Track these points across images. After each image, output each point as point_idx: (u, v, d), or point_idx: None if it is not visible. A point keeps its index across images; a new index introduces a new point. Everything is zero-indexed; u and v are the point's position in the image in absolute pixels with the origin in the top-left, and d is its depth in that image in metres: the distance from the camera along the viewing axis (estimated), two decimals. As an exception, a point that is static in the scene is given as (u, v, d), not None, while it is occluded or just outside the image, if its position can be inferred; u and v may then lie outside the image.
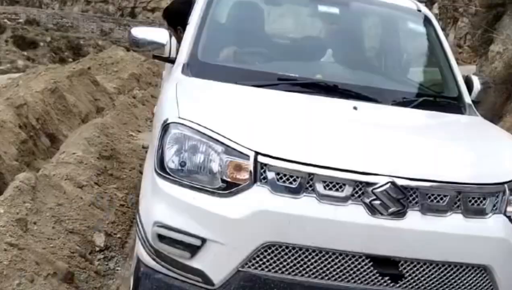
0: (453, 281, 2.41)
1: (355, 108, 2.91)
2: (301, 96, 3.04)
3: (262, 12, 3.89)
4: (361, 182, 2.34)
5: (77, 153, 4.93)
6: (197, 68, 3.16)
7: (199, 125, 2.47)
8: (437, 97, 3.46)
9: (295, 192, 2.33)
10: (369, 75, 3.59)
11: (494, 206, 2.48)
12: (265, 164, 2.35)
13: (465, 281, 2.43)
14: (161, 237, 2.43)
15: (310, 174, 2.33)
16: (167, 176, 2.46)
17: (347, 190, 2.33)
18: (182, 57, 3.25)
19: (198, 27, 3.38)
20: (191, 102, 2.76)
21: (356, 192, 2.34)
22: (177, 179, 2.44)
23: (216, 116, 2.60)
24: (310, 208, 2.31)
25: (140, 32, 3.43)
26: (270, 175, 2.34)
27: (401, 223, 2.34)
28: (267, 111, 2.81)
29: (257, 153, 2.36)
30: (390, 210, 2.32)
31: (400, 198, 2.33)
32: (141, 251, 2.55)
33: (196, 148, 2.44)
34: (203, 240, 2.36)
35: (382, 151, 2.49)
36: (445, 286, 2.41)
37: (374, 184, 2.33)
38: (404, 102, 3.19)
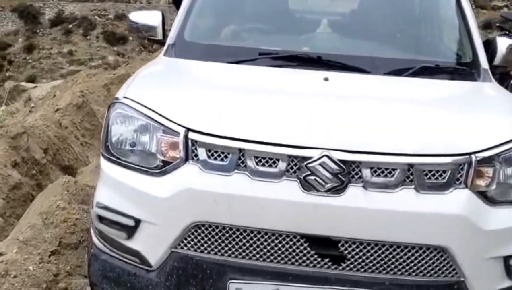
0: (406, 263, 2.17)
1: (326, 79, 2.72)
2: (274, 70, 2.89)
3: None
4: (296, 157, 2.17)
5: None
6: (182, 48, 3.14)
7: (140, 104, 2.43)
8: (441, 64, 3.09)
9: (226, 169, 2.21)
10: (366, 44, 3.31)
11: (457, 179, 2.20)
12: (196, 141, 2.25)
13: (420, 264, 2.17)
14: (101, 218, 2.43)
15: (240, 149, 2.20)
16: (109, 156, 2.45)
17: (281, 166, 2.17)
18: (169, 38, 3.23)
19: (187, 9, 3.33)
20: (142, 82, 2.74)
21: (291, 168, 2.17)
22: (116, 159, 2.42)
23: (159, 95, 2.55)
24: (240, 186, 2.18)
25: (136, 16, 3.45)
26: (201, 152, 2.24)
27: (339, 200, 2.14)
28: (217, 88, 2.70)
29: (188, 130, 2.27)
30: (327, 186, 2.13)
31: (338, 173, 2.13)
32: (91, 232, 2.57)
33: (136, 128, 2.41)
34: (138, 221, 2.32)
35: (320, 123, 2.28)
36: (398, 269, 2.18)
37: (308, 158, 2.15)
38: (399, 71, 2.91)
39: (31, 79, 18.76)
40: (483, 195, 2.23)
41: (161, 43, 3.37)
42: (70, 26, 22.75)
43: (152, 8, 20.29)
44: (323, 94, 2.62)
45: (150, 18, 3.38)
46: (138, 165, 2.36)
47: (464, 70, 3.09)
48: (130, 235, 2.34)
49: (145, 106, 2.40)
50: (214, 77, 2.86)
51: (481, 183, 2.23)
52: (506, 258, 2.24)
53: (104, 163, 2.47)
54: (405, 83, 2.87)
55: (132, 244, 2.35)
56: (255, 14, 3.58)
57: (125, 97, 2.50)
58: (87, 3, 25.62)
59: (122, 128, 2.43)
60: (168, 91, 2.62)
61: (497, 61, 3.20)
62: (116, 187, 2.41)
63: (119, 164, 2.41)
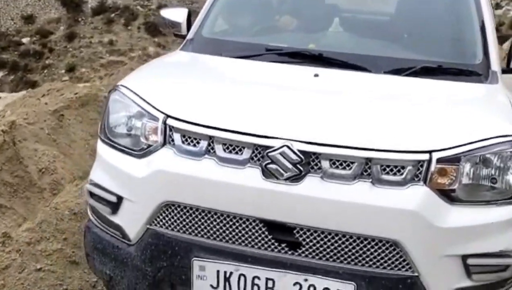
0: (359, 254, 2.23)
1: (316, 75, 2.82)
2: (269, 65, 3.03)
3: None
4: (260, 146, 2.29)
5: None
6: (198, 43, 3.36)
7: (132, 92, 2.65)
8: (445, 65, 3.07)
9: (196, 154, 2.37)
10: (371, 43, 3.36)
11: (416, 176, 2.23)
12: (173, 127, 2.43)
13: (373, 256, 2.23)
14: (92, 194, 2.67)
15: (210, 136, 2.36)
16: (104, 138, 2.69)
17: (246, 153, 2.31)
18: (189, 34, 3.47)
19: (208, 7, 3.56)
20: (143, 73, 3.00)
21: (256, 156, 2.30)
22: (109, 142, 2.65)
23: (150, 84, 2.76)
24: (207, 170, 2.33)
25: (165, 12, 3.72)
26: (176, 137, 2.42)
27: (295, 188, 2.23)
28: (203, 79, 2.87)
29: (167, 116, 2.45)
30: (285, 175, 2.24)
31: (297, 163, 2.23)
32: (88, 208, 2.83)
33: (127, 113, 2.62)
34: (119, 198, 2.54)
35: (285, 115, 2.39)
36: (351, 259, 2.24)
37: (270, 147, 2.27)
38: (399, 70, 2.94)
39: (71, 68, 19.11)
40: (445, 194, 2.24)
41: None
42: (112, 15, 22.60)
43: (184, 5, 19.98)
44: (301, 88, 2.72)
45: (176, 14, 3.63)
46: (127, 148, 2.57)
47: (470, 71, 3.05)
48: (114, 211, 2.57)
49: (136, 94, 2.62)
50: (208, 69, 3.05)
51: (443, 181, 2.25)
52: (464, 257, 2.24)
53: (99, 144, 2.72)
54: (397, 82, 2.90)
55: (115, 219, 2.57)
56: (270, 13, 3.72)
57: (122, 85, 2.73)
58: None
59: (116, 113, 2.66)
60: (159, 81, 2.83)
61: None
62: (105, 167, 2.64)
63: (111, 146, 2.63)
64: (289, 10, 3.70)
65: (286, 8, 3.78)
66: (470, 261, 2.24)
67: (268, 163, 2.26)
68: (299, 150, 2.24)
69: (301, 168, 2.24)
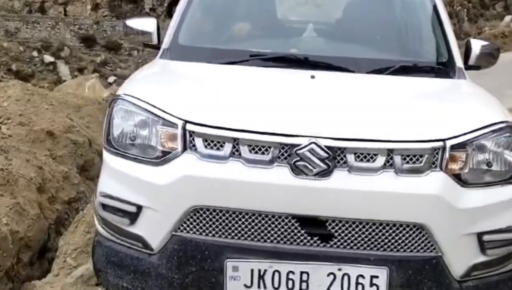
0: (388, 240, 2.37)
1: (312, 77, 2.93)
2: (264, 70, 3.12)
3: None
4: (286, 144, 2.37)
5: None
6: (176, 51, 3.37)
7: (140, 100, 2.62)
8: (419, 63, 3.36)
9: (222, 157, 2.40)
10: (348, 46, 3.56)
11: (433, 163, 2.40)
12: (193, 132, 2.44)
13: (401, 241, 2.37)
14: (104, 206, 2.61)
15: (234, 139, 2.39)
16: (111, 149, 2.63)
17: (273, 153, 2.37)
18: (164, 43, 3.47)
19: (181, 14, 3.58)
20: (142, 81, 2.98)
21: (282, 154, 2.37)
22: (119, 151, 2.60)
23: (158, 91, 2.74)
24: (234, 172, 2.37)
25: (132, 22, 3.69)
26: (198, 142, 2.43)
27: (326, 182, 2.33)
28: (211, 84, 2.91)
29: (185, 122, 2.46)
30: (315, 171, 2.33)
31: (325, 158, 2.33)
32: (95, 221, 2.75)
33: (137, 121, 2.59)
34: (139, 207, 2.50)
35: (307, 113, 2.49)
36: (381, 246, 2.37)
37: (298, 145, 2.35)
38: (380, 70, 3.14)
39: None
40: (457, 178, 2.44)
41: (156, 47, 3.58)
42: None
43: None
44: (310, 88, 2.83)
45: (146, 24, 3.61)
46: (139, 156, 2.54)
47: (440, 68, 3.35)
48: (133, 221, 2.52)
49: (145, 102, 2.59)
50: (208, 75, 3.07)
51: (455, 166, 2.44)
52: (479, 235, 2.44)
53: (107, 155, 2.65)
54: (385, 80, 3.09)
55: (134, 229, 2.53)
56: (246, 20, 3.79)
57: (125, 94, 2.69)
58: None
59: (123, 122, 2.61)
60: (165, 87, 2.82)
61: (471, 61, 3.48)
62: (118, 177, 2.59)
63: (121, 155, 2.59)
64: (251, 17, 3.82)
65: (249, 15, 3.88)
66: (486, 237, 2.44)
67: (297, 161, 2.33)
68: (326, 146, 2.34)
69: (329, 163, 2.33)
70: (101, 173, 2.74)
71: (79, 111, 6.55)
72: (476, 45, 3.51)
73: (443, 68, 3.34)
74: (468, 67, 3.47)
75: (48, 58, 32.25)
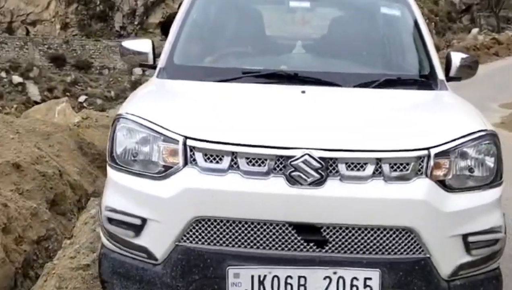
0: (379, 244, 2.53)
1: (303, 92, 3.10)
2: (257, 86, 3.30)
3: (235, 15, 4.17)
4: (281, 156, 2.52)
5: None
6: (171, 70, 3.52)
7: (141, 118, 2.76)
8: (403, 76, 3.56)
9: (221, 170, 2.54)
10: (335, 62, 3.75)
11: (419, 170, 2.57)
12: (193, 147, 2.59)
13: (391, 244, 2.53)
14: (110, 220, 2.74)
15: (233, 152, 2.54)
16: (115, 165, 2.76)
17: (269, 165, 2.52)
18: (160, 62, 3.62)
19: (176, 34, 3.73)
20: (142, 100, 3.13)
21: (278, 166, 2.53)
22: (123, 167, 2.74)
23: (158, 109, 2.89)
24: (234, 184, 2.52)
25: (128, 43, 3.84)
26: (198, 156, 2.58)
27: (320, 191, 2.49)
28: (208, 101, 3.09)
29: (186, 138, 2.60)
30: (309, 180, 2.48)
31: (318, 169, 2.49)
32: (101, 234, 2.87)
33: (139, 139, 2.73)
34: (144, 220, 2.63)
35: (301, 126, 2.66)
36: (373, 249, 2.53)
37: (292, 157, 2.50)
38: (366, 84, 3.32)
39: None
40: (442, 183, 2.61)
41: (152, 67, 3.72)
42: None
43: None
44: (302, 103, 3.00)
45: (142, 45, 3.75)
46: (142, 171, 2.68)
47: (423, 81, 3.56)
48: (137, 233, 2.65)
49: (147, 119, 2.74)
50: (204, 92, 3.25)
51: (439, 173, 2.62)
52: (464, 236, 2.62)
53: (111, 172, 2.80)
54: (371, 93, 3.28)
55: (139, 241, 2.66)
56: (237, 39, 3.98)
57: (127, 113, 2.84)
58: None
59: (126, 140, 2.75)
60: (165, 105, 2.98)
61: (452, 72, 3.68)
62: (122, 192, 2.73)
63: (124, 171, 2.73)
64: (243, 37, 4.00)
65: (240, 34, 4.06)
66: (470, 238, 2.62)
67: (292, 171, 2.50)
68: (319, 157, 2.50)
69: (322, 173, 2.50)
70: (105, 188, 2.88)
71: (48, 139, 5.99)
72: (456, 57, 3.71)
73: (425, 81, 3.55)
74: (449, 78, 3.66)
75: (17, 78, 32.02)
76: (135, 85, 33.02)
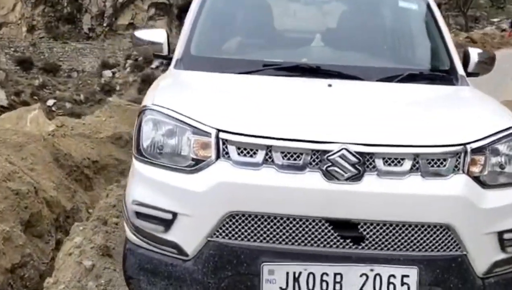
0: (416, 240, 2.49)
1: (329, 85, 3.05)
2: (281, 79, 3.25)
3: (252, 6, 4.12)
4: (317, 151, 2.47)
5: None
6: (189, 61, 3.44)
7: (169, 109, 2.69)
8: (425, 71, 3.57)
9: (255, 164, 2.48)
10: (356, 55, 3.72)
11: (456, 166, 2.54)
12: (226, 140, 2.52)
13: (428, 241, 2.49)
14: (138, 214, 2.66)
15: (268, 146, 2.48)
16: (142, 158, 2.68)
17: (304, 159, 2.47)
18: (177, 53, 3.54)
19: (192, 25, 3.66)
20: (167, 90, 3.03)
21: (314, 160, 2.47)
22: (151, 160, 2.66)
23: (186, 101, 2.82)
24: (268, 178, 2.46)
25: (142, 33, 3.77)
26: (231, 150, 2.51)
27: (357, 186, 2.45)
28: (237, 93, 3.03)
29: (218, 131, 2.54)
30: (346, 175, 2.44)
31: (355, 163, 2.44)
32: (126, 229, 2.80)
33: (167, 131, 2.65)
34: (174, 214, 2.56)
35: (338, 120, 2.62)
36: (410, 246, 2.49)
37: (329, 151, 2.45)
38: (389, 78, 3.30)
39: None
40: (477, 180, 2.58)
41: (167, 58, 3.66)
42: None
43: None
44: (331, 96, 2.96)
45: (156, 35, 3.68)
46: (170, 164, 2.61)
47: (444, 76, 3.53)
48: (167, 228, 2.58)
49: (175, 111, 2.66)
50: (229, 84, 3.17)
51: (475, 169, 2.59)
52: (499, 233, 2.59)
53: (138, 164, 2.71)
54: (396, 87, 3.25)
55: (169, 236, 2.58)
56: (254, 31, 3.93)
57: (154, 104, 2.75)
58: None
59: (153, 132, 2.67)
60: (192, 97, 2.90)
61: (470, 68, 3.68)
62: (151, 185, 2.64)
63: (152, 164, 2.65)
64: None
65: (258, 25, 4.01)
66: (506, 235, 2.60)
67: (329, 166, 2.45)
68: (356, 152, 2.46)
69: (359, 168, 2.45)
70: (130, 181, 2.79)
71: (21, 151, 5.49)
72: (474, 53, 3.71)
73: (446, 76, 3.53)
74: (467, 74, 3.64)
75: (-17, 83, 31.14)
76: (105, 87, 32.71)
